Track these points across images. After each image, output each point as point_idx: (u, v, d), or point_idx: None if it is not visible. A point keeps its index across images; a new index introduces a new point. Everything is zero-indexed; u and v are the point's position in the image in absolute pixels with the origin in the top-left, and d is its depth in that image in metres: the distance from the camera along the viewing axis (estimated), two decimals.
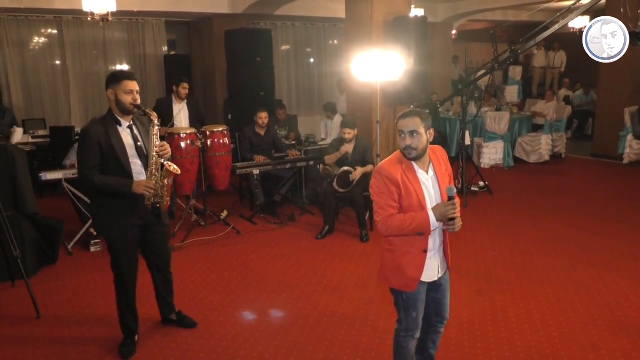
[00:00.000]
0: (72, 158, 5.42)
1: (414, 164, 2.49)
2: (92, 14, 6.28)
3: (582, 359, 3.19)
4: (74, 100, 8.99)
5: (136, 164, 3.14)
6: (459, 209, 2.42)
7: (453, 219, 2.41)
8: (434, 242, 2.57)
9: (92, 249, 5.08)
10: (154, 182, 3.10)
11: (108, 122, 3.10)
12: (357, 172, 5.46)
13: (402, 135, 2.45)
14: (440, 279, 2.66)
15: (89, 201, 5.02)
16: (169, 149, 3.22)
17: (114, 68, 9.26)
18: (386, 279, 2.64)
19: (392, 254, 2.57)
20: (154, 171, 3.13)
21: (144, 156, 3.17)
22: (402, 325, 2.68)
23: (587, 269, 4.51)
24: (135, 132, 3.18)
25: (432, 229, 2.41)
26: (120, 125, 3.12)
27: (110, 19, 6.38)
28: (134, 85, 3.08)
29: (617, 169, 8.42)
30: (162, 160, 3.18)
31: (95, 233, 5.20)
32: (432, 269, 2.59)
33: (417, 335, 2.69)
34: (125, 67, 9.42)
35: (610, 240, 5.18)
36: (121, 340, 3.39)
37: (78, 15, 8.38)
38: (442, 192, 2.51)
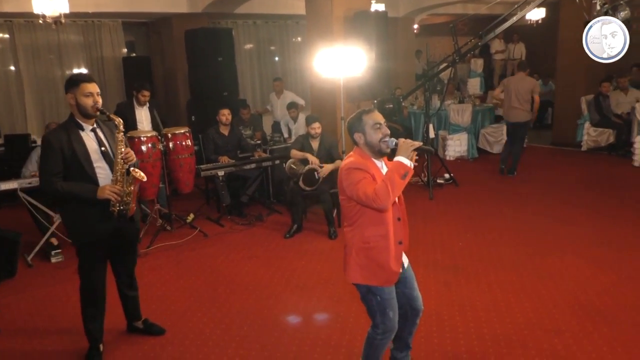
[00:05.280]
0: (30, 168, 5.25)
1: (371, 158, 2.56)
2: (44, 16, 6.05)
3: (546, 343, 3.26)
4: (29, 107, 8.67)
5: (102, 169, 3.05)
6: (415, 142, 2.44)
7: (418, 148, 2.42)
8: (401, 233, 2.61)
9: (53, 260, 4.92)
10: (118, 186, 3.02)
11: (70, 127, 3.01)
12: (325, 169, 5.44)
13: (379, 127, 2.50)
14: (405, 271, 2.69)
15: (49, 212, 4.95)
16: (134, 156, 3.13)
17: (70, 72, 8.97)
18: (363, 278, 2.55)
19: (369, 251, 2.51)
20: (119, 177, 3.04)
21: (110, 160, 3.07)
22: (380, 329, 2.61)
23: (549, 255, 4.62)
24: (100, 135, 3.08)
25: (410, 166, 2.37)
26: (83, 130, 3.03)
27: (63, 21, 6.16)
28: (93, 88, 2.99)
29: (576, 156, 8.67)
30: (127, 166, 3.08)
31: (56, 243, 5.07)
32: (403, 260, 2.66)
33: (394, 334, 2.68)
34: (82, 70, 9.15)
35: (571, 226, 5.32)
36: (85, 351, 3.29)
37: (30, 18, 8.09)
38: None
